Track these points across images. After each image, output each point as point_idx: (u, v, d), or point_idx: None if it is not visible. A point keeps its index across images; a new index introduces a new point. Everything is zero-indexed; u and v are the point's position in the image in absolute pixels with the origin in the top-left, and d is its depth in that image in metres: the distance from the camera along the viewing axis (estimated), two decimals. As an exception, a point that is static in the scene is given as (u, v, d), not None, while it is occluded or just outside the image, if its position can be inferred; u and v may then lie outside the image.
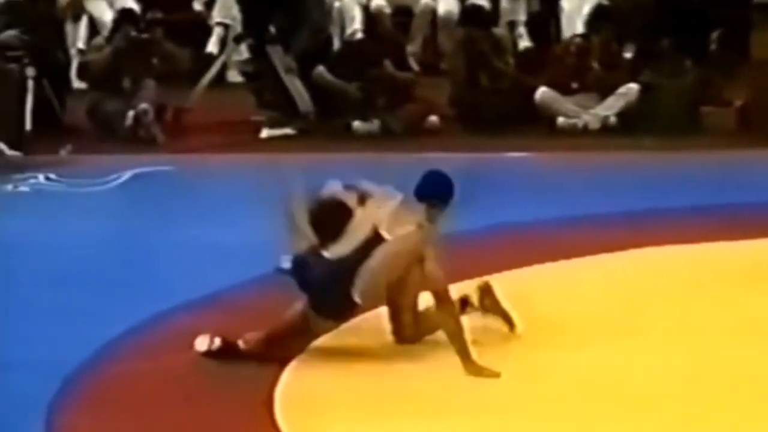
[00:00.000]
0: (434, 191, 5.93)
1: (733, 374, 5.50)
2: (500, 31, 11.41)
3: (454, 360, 5.61)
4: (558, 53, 10.85)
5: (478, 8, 11.19)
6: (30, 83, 10.06)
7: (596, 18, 11.04)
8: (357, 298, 5.71)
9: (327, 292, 5.72)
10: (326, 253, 5.77)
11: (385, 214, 5.80)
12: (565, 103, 10.52)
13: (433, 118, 10.67)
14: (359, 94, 10.55)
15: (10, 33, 10.13)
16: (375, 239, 5.72)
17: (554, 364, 5.70)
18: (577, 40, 10.86)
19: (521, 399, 5.40)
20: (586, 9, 11.44)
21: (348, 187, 5.93)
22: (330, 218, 5.83)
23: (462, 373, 5.57)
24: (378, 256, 5.68)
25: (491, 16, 11.42)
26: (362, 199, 5.90)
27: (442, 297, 5.66)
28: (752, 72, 10.33)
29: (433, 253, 5.72)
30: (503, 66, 10.71)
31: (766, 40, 10.12)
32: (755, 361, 5.60)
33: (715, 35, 11.17)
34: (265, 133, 10.59)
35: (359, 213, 5.81)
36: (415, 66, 11.56)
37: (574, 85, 10.52)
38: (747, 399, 5.29)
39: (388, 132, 10.53)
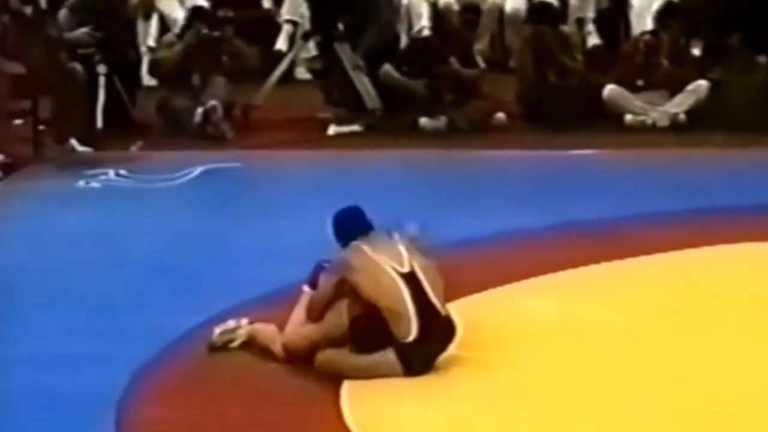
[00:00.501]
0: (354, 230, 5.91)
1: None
2: (569, 28, 11.37)
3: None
4: (627, 50, 10.80)
5: (546, 5, 11.15)
6: (101, 80, 10.19)
7: (665, 15, 10.97)
8: None
9: None
10: None
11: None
12: (634, 101, 10.47)
13: (500, 115, 10.66)
14: (425, 91, 10.56)
15: (83, 31, 10.26)
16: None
17: (631, 358, 5.69)
18: (646, 37, 10.80)
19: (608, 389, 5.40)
20: (655, 6, 11.37)
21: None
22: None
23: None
24: None
25: (559, 13, 11.38)
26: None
27: None
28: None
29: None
30: (571, 63, 10.68)
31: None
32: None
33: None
34: (332, 130, 10.64)
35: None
36: (482, 63, 11.54)
37: (642, 83, 10.46)
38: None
39: (454, 129, 10.54)
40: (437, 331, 5.68)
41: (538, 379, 5.62)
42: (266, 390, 5.64)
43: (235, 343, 6.00)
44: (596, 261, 6.90)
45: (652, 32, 10.88)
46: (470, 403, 5.44)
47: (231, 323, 6.08)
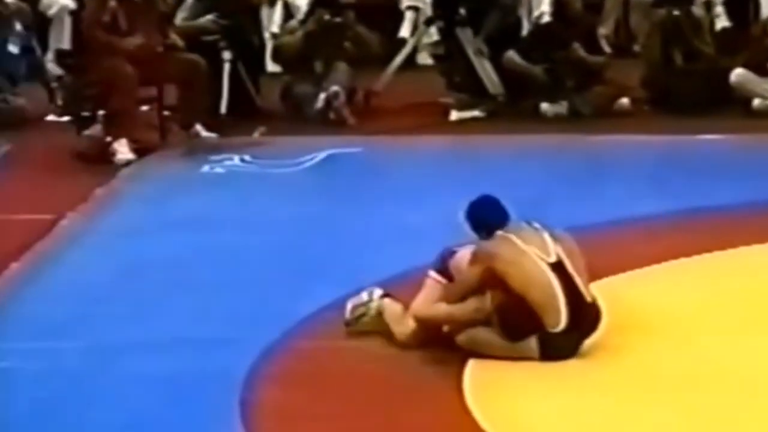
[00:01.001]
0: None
1: None
2: (697, 10, 11.18)
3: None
4: (755, 33, 10.58)
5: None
6: (226, 67, 10.32)
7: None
8: None
9: None
10: None
11: None
12: (762, 84, 10.27)
13: (624, 101, 10.53)
14: (545, 77, 10.49)
15: (208, 18, 10.39)
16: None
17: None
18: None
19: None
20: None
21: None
22: None
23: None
24: None
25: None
26: None
27: None
28: None
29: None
30: (701, 46, 10.49)
31: None
32: None
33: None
34: (454, 115, 10.62)
35: None
36: (607, 48, 11.42)
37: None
38: None
39: (576, 114, 10.45)
40: (585, 319, 5.70)
41: (669, 368, 5.56)
42: (388, 376, 5.66)
43: (367, 318, 6.01)
44: (723, 248, 6.79)
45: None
46: (598, 392, 5.40)
47: (363, 295, 6.11)
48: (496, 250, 5.76)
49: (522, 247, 5.74)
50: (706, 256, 6.74)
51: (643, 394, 5.35)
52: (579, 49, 10.50)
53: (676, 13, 10.55)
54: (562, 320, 5.62)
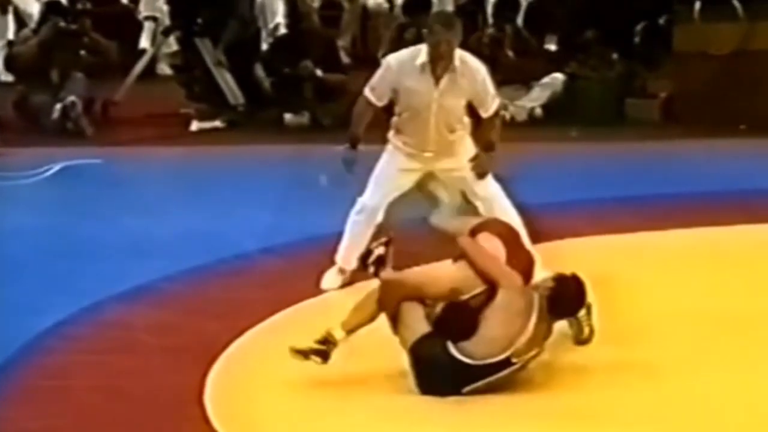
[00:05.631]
0: None
1: None
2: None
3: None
4: (471, 45, 10.89)
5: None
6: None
7: (504, 8, 11.10)
8: None
9: None
10: None
11: None
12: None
13: (363, 111, 10.72)
14: (280, 89, 10.60)
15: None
16: None
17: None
18: (490, 31, 10.93)
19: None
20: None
21: None
22: None
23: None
24: None
25: (427, 4, 11.48)
26: None
27: None
28: (676, 64, 10.49)
29: None
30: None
31: (689, 33, 10.27)
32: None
33: (639, 28, 11.32)
34: (194, 125, 10.59)
35: None
36: (346, 59, 11.61)
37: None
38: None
39: (318, 124, 10.58)
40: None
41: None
42: (129, 390, 5.59)
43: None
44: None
45: (494, 25, 11.03)
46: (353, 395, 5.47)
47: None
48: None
49: None
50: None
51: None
52: (310, 65, 10.58)
53: (417, 22, 10.80)
54: None
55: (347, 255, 6.66)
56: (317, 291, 6.55)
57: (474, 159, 6.55)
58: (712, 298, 6.25)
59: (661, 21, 11.07)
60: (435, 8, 11.91)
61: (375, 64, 11.76)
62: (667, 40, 10.56)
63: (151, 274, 6.67)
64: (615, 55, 10.84)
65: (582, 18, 11.10)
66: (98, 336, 6.07)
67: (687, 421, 5.00)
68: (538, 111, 10.67)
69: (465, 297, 5.32)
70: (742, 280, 6.49)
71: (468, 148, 6.62)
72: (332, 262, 6.78)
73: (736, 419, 5.00)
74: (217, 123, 10.61)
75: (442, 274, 5.42)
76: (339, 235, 7.00)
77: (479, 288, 5.31)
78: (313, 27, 11.09)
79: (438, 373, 5.23)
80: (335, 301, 6.40)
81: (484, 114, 6.56)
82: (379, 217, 6.70)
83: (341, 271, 6.69)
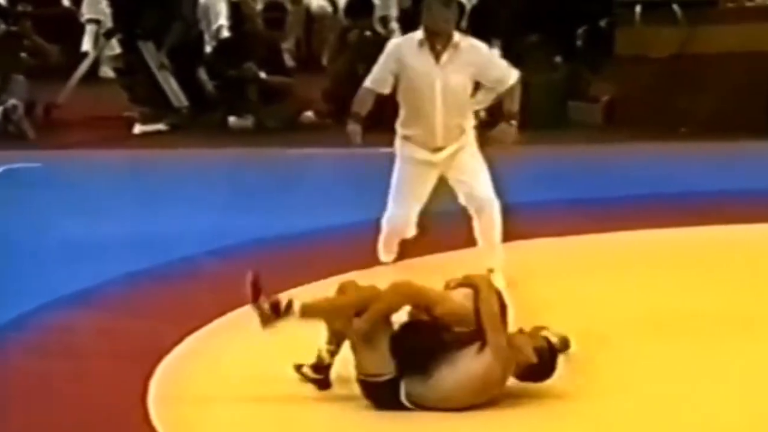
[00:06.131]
0: None
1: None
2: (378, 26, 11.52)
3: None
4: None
5: (357, 0, 11.26)
6: None
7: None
8: None
9: None
10: None
11: None
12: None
13: (309, 114, 10.72)
14: (223, 92, 10.58)
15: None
16: None
17: None
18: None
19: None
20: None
21: None
22: None
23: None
24: None
25: (369, 7, 11.51)
26: None
27: None
28: (617, 68, 10.58)
29: None
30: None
31: (631, 37, 10.36)
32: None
33: (581, 32, 11.40)
34: (137, 129, 10.54)
35: None
36: (291, 62, 11.61)
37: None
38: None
39: (262, 127, 10.56)
40: None
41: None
42: (73, 394, 5.55)
43: None
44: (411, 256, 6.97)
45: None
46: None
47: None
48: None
49: None
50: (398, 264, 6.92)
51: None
52: (253, 67, 10.57)
53: (367, 33, 10.83)
54: None
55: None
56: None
57: (497, 129, 6.47)
58: (657, 299, 6.30)
59: (603, 24, 11.16)
60: (378, 12, 11.96)
61: (319, 67, 11.89)
62: (609, 44, 10.64)
63: (95, 278, 6.63)
64: (558, 59, 10.90)
65: (525, 22, 11.16)
66: (41, 340, 6.02)
67: (641, 421, 5.04)
68: (482, 114, 10.70)
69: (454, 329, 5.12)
70: (687, 282, 6.56)
71: (470, 131, 6.56)
72: (278, 264, 6.80)
73: (690, 418, 5.04)
74: (161, 126, 10.57)
75: (451, 297, 5.20)
76: (283, 238, 7.01)
77: (467, 327, 5.11)
78: (257, 29, 11.08)
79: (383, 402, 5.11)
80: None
81: (502, 87, 6.49)
82: (411, 231, 6.66)
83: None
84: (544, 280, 6.46)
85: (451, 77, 6.41)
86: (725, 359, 5.52)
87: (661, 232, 7.40)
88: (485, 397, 5.07)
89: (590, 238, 7.35)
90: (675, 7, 10.21)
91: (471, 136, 6.64)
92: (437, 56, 6.42)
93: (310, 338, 5.44)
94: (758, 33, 10.10)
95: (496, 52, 6.55)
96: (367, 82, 6.58)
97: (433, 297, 5.18)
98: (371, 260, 6.87)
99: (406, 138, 6.62)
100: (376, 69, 6.56)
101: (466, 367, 5.03)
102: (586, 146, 9.92)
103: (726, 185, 8.37)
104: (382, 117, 10.51)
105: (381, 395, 5.10)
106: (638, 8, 10.28)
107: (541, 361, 5.11)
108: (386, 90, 6.54)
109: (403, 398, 5.07)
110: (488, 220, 6.54)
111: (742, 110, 9.88)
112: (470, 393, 5.05)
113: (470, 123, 6.65)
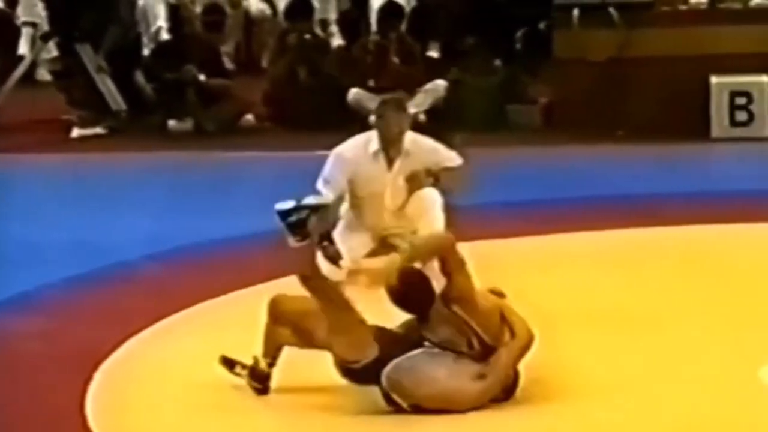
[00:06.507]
0: None
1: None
2: (317, 29, 11.52)
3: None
4: (356, 52, 10.91)
5: (302, 3, 11.26)
6: None
7: (388, 15, 11.17)
8: None
9: None
10: None
11: None
12: (376, 101, 10.65)
13: (249, 117, 10.71)
14: (162, 95, 10.54)
15: None
16: None
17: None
18: (374, 38, 10.99)
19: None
20: (377, 5, 11.57)
21: None
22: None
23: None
24: None
25: (309, 10, 11.50)
26: None
27: None
28: (555, 70, 10.64)
29: None
30: (325, 64, 10.77)
31: (569, 40, 10.43)
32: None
33: (519, 34, 11.46)
34: (75, 132, 10.47)
35: None
36: (230, 65, 11.58)
37: (374, 83, 10.56)
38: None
39: (202, 131, 10.53)
40: None
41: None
42: (6, 397, 5.51)
43: None
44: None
45: (378, 32, 11.09)
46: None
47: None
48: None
49: None
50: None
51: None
52: (192, 70, 10.54)
53: (306, 36, 10.82)
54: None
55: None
56: (202, 297, 6.52)
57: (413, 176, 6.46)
58: (595, 300, 6.35)
59: (541, 27, 11.23)
60: (318, 15, 11.95)
61: (258, 70, 11.87)
62: (547, 47, 10.71)
63: (33, 282, 6.58)
64: (497, 61, 10.96)
65: (464, 24, 11.20)
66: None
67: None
68: (422, 117, 10.74)
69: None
70: (625, 282, 6.62)
71: None
72: (219, 268, 6.78)
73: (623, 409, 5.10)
74: (99, 129, 10.50)
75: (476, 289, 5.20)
76: (223, 242, 6.99)
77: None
78: (196, 32, 11.05)
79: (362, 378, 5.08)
80: (219, 308, 6.39)
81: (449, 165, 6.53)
82: None
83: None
84: (483, 283, 6.48)
85: (401, 180, 6.49)
86: (654, 353, 5.60)
87: (601, 233, 7.46)
88: (465, 405, 5.03)
89: (529, 240, 7.40)
90: (612, 10, 10.30)
91: None
92: (390, 163, 6.49)
93: (248, 344, 5.43)
94: (693, 36, 10.21)
95: (439, 146, 6.56)
96: (321, 188, 6.30)
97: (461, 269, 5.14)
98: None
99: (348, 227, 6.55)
100: (329, 173, 6.38)
101: (447, 370, 5.03)
102: (524, 149, 9.97)
103: (662, 188, 8.46)
104: (325, 119, 10.55)
105: (361, 378, 5.10)
106: (576, 11, 10.35)
107: (516, 378, 5.15)
108: (337, 195, 6.41)
109: (383, 379, 5.04)
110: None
111: (678, 113, 9.99)
112: (441, 397, 5.04)
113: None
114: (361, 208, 6.57)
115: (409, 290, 5.11)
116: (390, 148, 6.47)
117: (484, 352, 5.09)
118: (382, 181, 6.47)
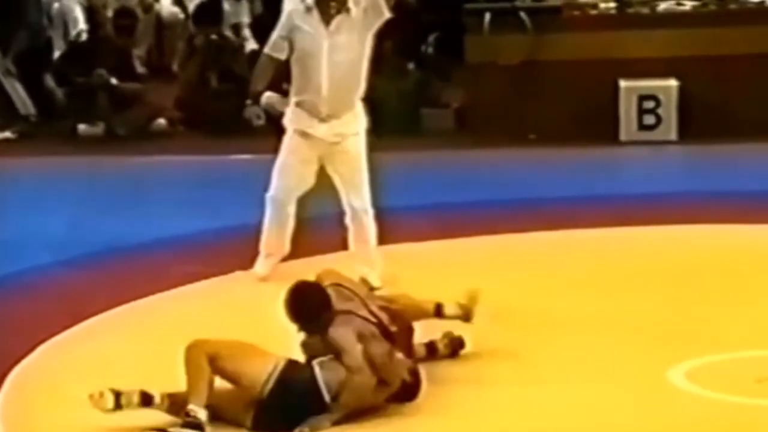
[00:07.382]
0: None
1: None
2: (227, 33, 11.48)
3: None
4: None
5: (210, 7, 11.22)
6: None
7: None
8: None
9: None
10: None
11: None
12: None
13: (161, 121, 10.65)
14: (72, 99, 10.46)
15: None
16: None
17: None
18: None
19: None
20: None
21: None
22: None
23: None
24: None
25: (218, 13, 11.46)
26: None
27: None
28: (467, 75, 10.72)
29: None
30: (237, 68, 10.73)
31: (479, 44, 10.51)
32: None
33: (431, 39, 11.52)
34: (-17, 137, 10.35)
35: None
36: (141, 69, 11.51)
37: (286, 87, 10.52)
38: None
39: (113, 135, 10.46)
40: None
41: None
42: None
43: None
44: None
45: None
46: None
47: None
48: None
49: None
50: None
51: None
52: (104, 74, 10.46)
53: (213, 36, 10.79)
54: None
55: (268, 242, 6.68)
56: (115, 303, 6.48)
57: None
58: (508, 302, 6.40)
59: (453, 32, 11.30)
60: (231, 19, 11.93)
61: (170, 74, 11.80)
62: (458, 51, 10.78)
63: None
64: (411, 65, 11.00)
65: (378, 28, 11.21)
66: None
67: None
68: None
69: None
70: (536, 285, 6.69)
71: (360, 117, 6.58)
72: (131, 273, 6.75)
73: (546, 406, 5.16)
74: (8, 134, 10.39)
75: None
76: (138, 247, 6.95)
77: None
78: (107, 35, 10.98)
79: (290, 400, 5.03)
80: (128, 314, 6.35)
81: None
82: (291, 210, 6.65)
83: (268, 255, 6.68)
84: (392, 288, 6.51)
85: (340, 38, 6.41)
86: (563, 355, 5.68)
87: (513, 236, 7.53)
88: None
89: (441, 243, 7.44)
90: (522, 14, 10.39)
91: (360, 127, 6.62)
92: (327, 21, 6.42)
93: (163, 351, 5.40)
94: (603, 40, 10.34)
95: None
96: (268, 51, 6.55)
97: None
98: (225, 267, 6.86)
99: (297, 105, 6.59)
100: (275, 34, 6.53)
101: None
102: (437, 152, 10.03)
103: (573, 191, 8.56)
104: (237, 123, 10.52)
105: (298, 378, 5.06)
106: (487, 16, 10.43)
107: (415, 380, 5.18)
108: (283, 56, 6.51)
109: (318, 376, 5.06)
110: (361, 228, 6.60)
111: (588, 117, 10.11)
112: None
113: (361, 108, 6.61)
114: (302, 78, 6.48)
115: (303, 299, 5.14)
116: (326, 4, 6.38)
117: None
118: (319, 37, 6.39)
